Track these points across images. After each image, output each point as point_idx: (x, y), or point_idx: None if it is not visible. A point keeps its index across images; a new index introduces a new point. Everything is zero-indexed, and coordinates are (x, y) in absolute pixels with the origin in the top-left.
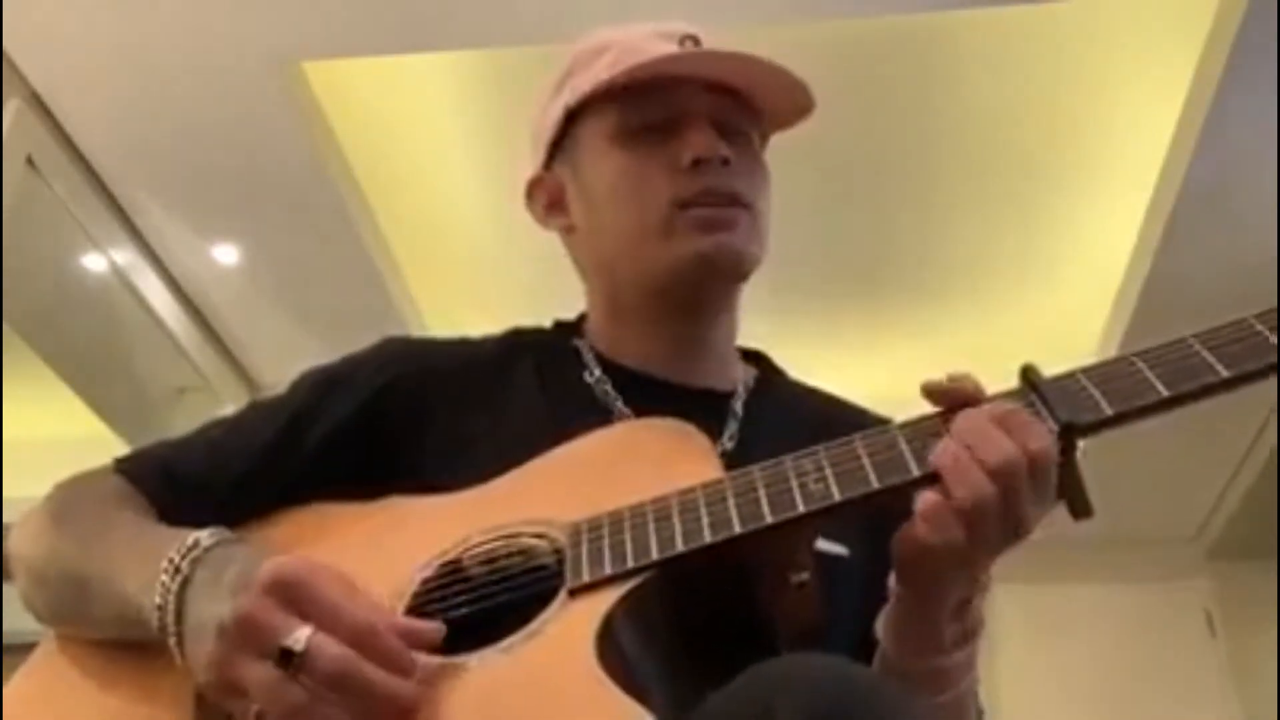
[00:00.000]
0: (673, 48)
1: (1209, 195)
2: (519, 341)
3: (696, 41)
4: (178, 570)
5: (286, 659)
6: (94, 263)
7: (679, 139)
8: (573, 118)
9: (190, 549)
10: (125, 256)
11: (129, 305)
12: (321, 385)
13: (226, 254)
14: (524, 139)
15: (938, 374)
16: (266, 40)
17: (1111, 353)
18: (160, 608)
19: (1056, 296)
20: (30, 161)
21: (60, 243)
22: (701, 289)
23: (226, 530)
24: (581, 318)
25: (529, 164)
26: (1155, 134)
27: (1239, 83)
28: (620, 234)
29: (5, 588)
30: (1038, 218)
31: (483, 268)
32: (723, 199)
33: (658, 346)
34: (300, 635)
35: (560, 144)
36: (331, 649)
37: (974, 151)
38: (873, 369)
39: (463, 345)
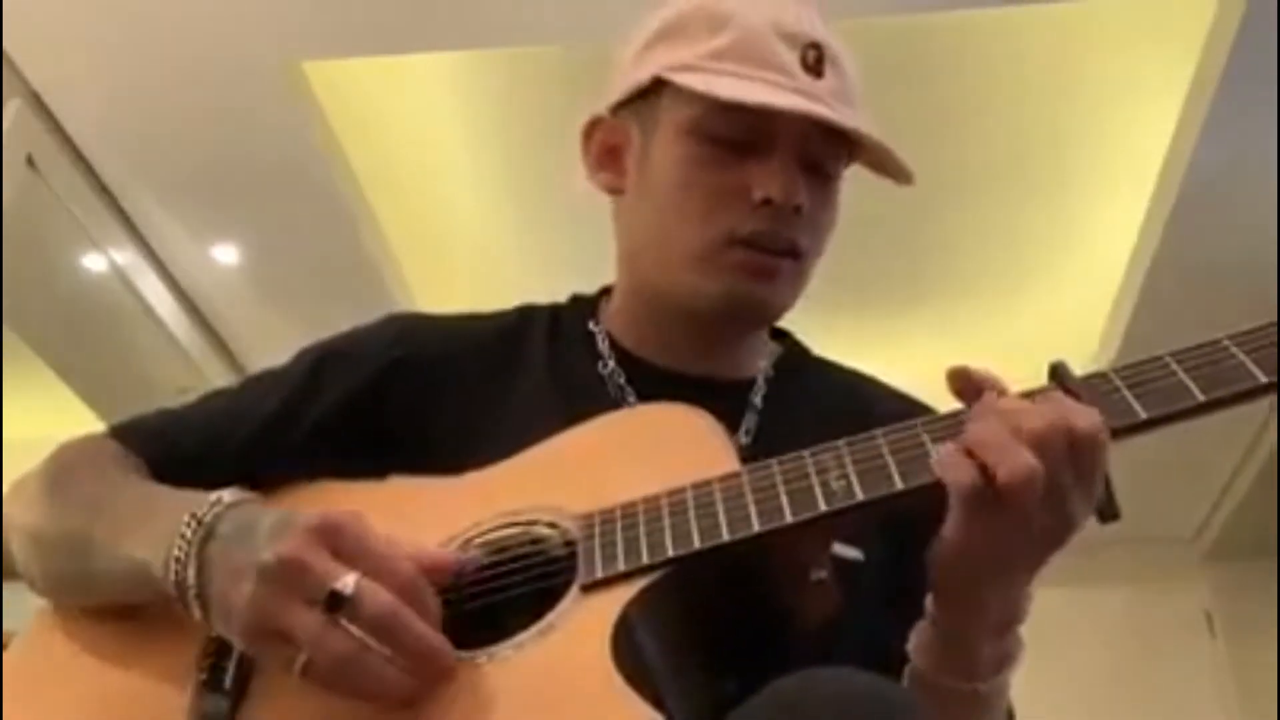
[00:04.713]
0: (792, 57)
1: (1209, 195)
2: (530, 320)
3: (819, 51)
4: (200, 523)
5: (335, 603)
6: (94, 263)
7: (760, 166)
8: (661, 81)
9: (214, 504)
10: (125, 256)
11: (129, 305)
12: (324, 360)
13: (226, 254)
14: (524, 140)
15: (937, 373)
16: (266, 40)
17: (1112, 352)
18: (179, 560)
19: (1057, 296)
20: (30, 161)
21: (60, 243)
22: (717, 327)
23: (245, 491)
24: (601, 293)
25: (609, 89)
26: (1155, 134)
27: (1239, 82)
28: (661, 236)
29: (5, 588)
30: (1038, 218)
31: (483, 268)
32: (776, 247)
33: (668, 338)
34: (349, 580)
35: (638, 100)
36: (380, 594)
37: (973, 152)
38: (871, 369)
39: (470, 322)
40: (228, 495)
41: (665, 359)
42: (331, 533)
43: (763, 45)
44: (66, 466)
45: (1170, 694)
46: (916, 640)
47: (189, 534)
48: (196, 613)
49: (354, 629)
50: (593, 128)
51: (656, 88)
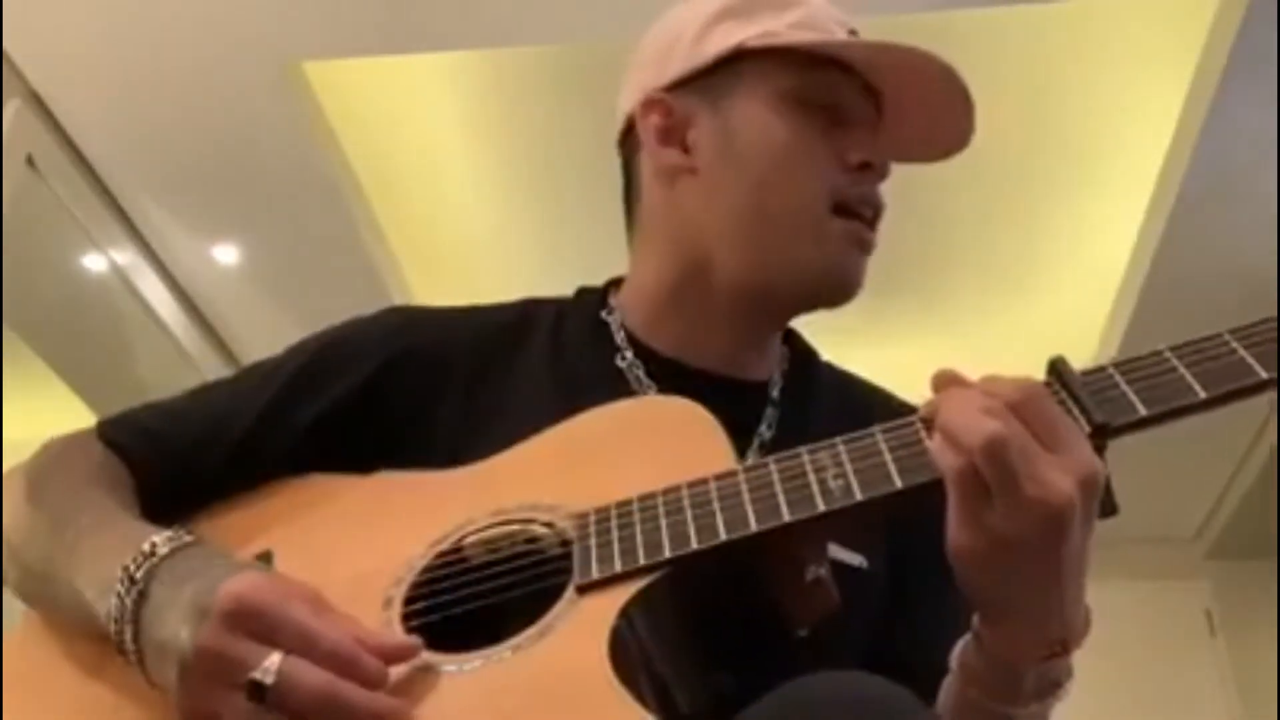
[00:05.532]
0: (843, 35)
1: (1209, 195)
2: (536, 313)
3: (856, 36)
4: (133, 581)
5: (257, 692)
6: (94, 263)
7: (847, 133)
8: (729, 58)
9: (146, 556)
10: (125, 256)
11: (129, 305)
12: (320, 355)
13: (226, 254)
14: (524, 140)
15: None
16: (266, 40)
17: (1112, 353)
18: (117, 621)
19: (1056, 296)
20: (30, 161)
21: (60, 243)
22: (809, 299)
23: (185, 533)
24: (610, 285)
25: (640, 74)
26: (1155, 134)
27: (1239, 83)
28: (756, 208)
29: (5, 588)
30: (1038, 218)
31: (483, 268)
32: (873, 213)
33: (702, 336)
34: (270, 665)
35: (706, 76)
36: (307, 675)
37: (973, 151)
38: (871, 369)
39: (472, 314)
40: (161, 544)
41: (684, 353)
42: (247, 615)
43: (829, 24)
44: (42, 472)
45: (1170, 693)
46: (960, 656)
47: (122, 591)
48: (142, 676)
49: (286, 713)
50: (649, 107)
51: (731, 63)
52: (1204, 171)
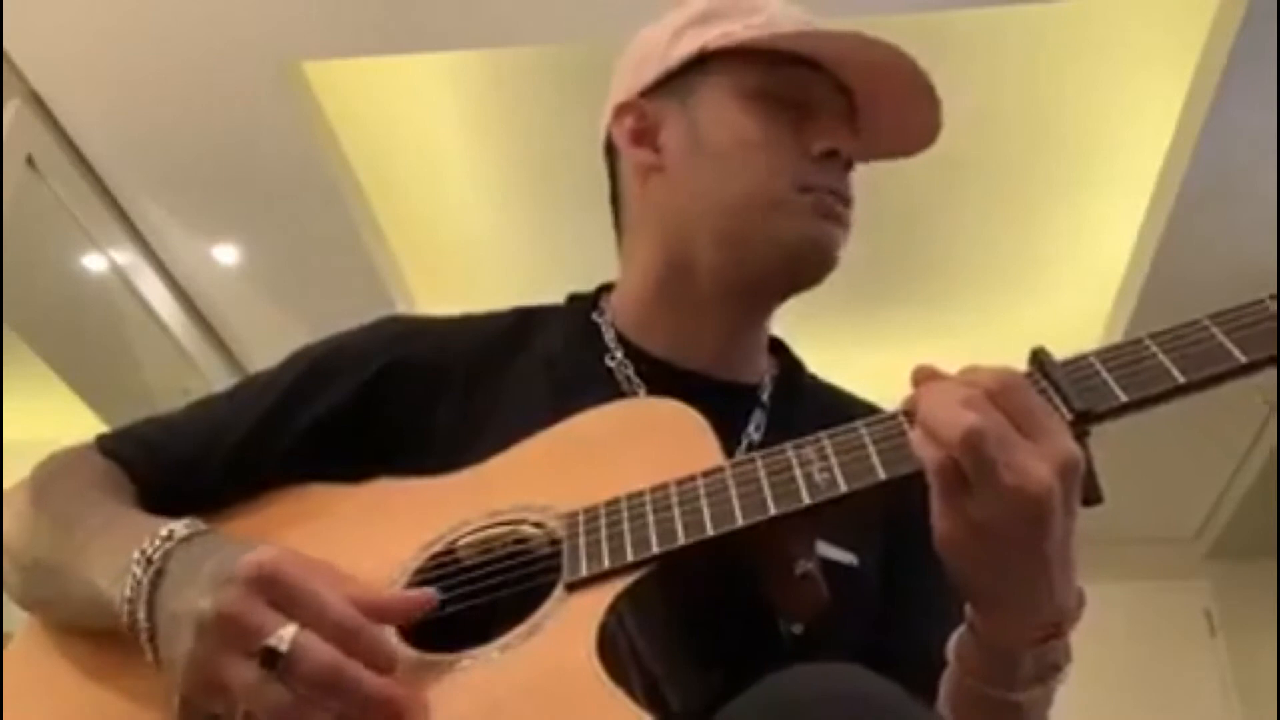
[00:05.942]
0: None
1: (1209, 195)
2: (528, 320)
3: None
4: (150, 562)
5: (270, 659)
6: (94, 263)
7: (813, 125)
8: (697, 61)
9: (164, 540)
10: (125, 256)
11: (129, 305)
12: (316, 363)
13: (226, 254)
14: (523, 139)
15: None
16: (266, 40)
17: None
18: (131, 600)
19: (1056, 296)
20: (30, 161)
21: (60, 243)
22: (788, 275)
23: (200, 522)
24: (601, 291)
25: (617, 88)
26: (1155, 134)
27: (1239, 82)
28: (727, 194)
29: (6, 595)
30: (1038, 218)
31: (483, 268)
32: (840, 198)
33: (691, 332)
34: (285, 634)
35: (675, 79)
36: (317, 650)
37: (973, 152)
38: (871, 370)
39: (465, 323)
40: (180, 528)
41: (674, 355)
42: (268, 582)
43: (790, 25)
44: (46, 481)
45: (1170, 692)
46: (956, 647)
47: (139, 572)
48: (149, 655)
49: (293, 683)
50: (622, 112)
51: (700, 65)
52: (1204, 171)
